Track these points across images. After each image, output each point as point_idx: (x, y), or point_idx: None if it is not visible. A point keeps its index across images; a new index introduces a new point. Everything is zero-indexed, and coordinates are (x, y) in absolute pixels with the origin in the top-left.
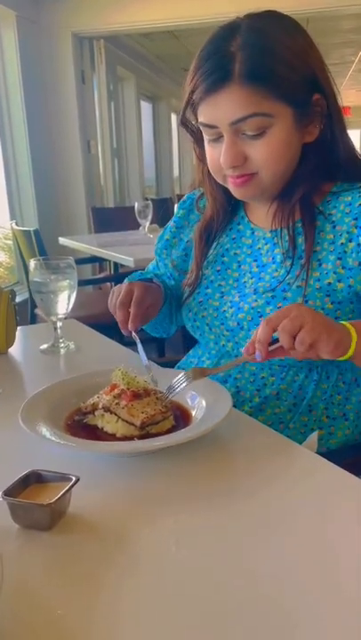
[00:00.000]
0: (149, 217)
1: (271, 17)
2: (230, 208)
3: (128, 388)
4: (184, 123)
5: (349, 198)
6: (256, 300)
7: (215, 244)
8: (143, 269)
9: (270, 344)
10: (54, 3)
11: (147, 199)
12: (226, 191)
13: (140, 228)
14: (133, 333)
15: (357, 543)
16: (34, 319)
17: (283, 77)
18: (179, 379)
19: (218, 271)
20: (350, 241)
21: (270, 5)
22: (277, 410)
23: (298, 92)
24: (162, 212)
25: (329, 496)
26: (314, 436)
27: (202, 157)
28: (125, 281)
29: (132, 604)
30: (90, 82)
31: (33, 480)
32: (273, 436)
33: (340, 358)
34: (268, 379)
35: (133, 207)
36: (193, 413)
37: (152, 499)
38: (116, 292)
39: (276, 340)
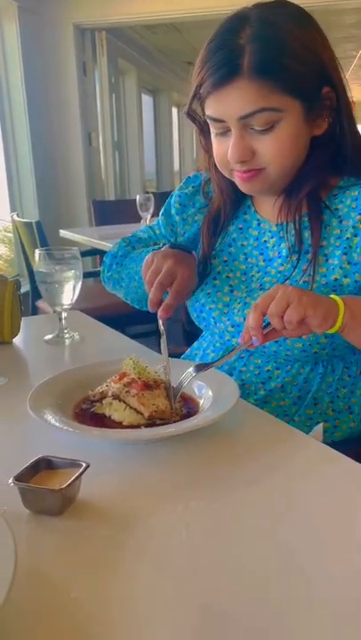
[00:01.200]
0: (151, 210)
1: (281, 7)
2: (237, 199)
3: (139, 378)
4: (190, 114)
5: (356, 193)
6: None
7: (223, 234)
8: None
9: (264, 327)
10: None
11: (147, 192)
12: (233, 182)
13: (142, 220)
14: (161, 324)
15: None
16: (35, 311)
17: (292, 71)
18: (187, 373)
19: (225, 261)
20: (356, 236)
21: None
22: (282, 402)
23: (307, 85)
24: (162, 205)
25: (335, 484)
26: (319, 428)
27: (208, 149)
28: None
29: (144, 586)
30: (91, 74)
31: (43, 466)
32: (279, 426)
33: (330, 330)
34: (274, 372)
35: (134, 200)
36: (200, 402)
37: (161, 485)
38: (155, 265)
39: (269, 324)
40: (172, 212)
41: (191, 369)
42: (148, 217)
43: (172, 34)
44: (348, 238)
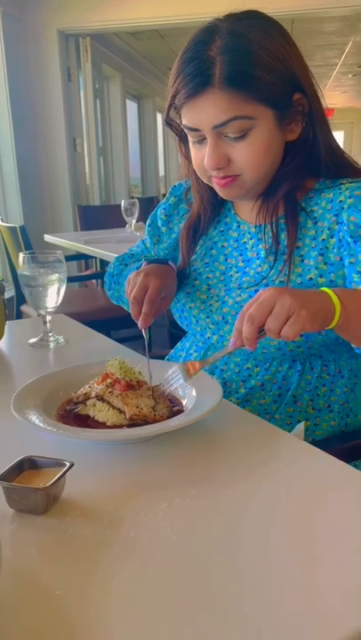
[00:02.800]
0: (136, 215)
1: (251, 18)
2: (217, 203)
3: (123, 378)
4: (168, 123)
5: (331, 195)
6: (240, 295)
7: (204, 237)
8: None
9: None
10: (39, 0)
11: (132, 197)
12: (212, 189)
13: (127, 226)
14: (143, 331)
15: (344, 525)
16: (19, 316)
17: (262, 81)
18: (174, 373)
19: (206, 263)
20: (332, 237)
21: (255, 5)
22: (263, 401)
23: (278, 93)
24: (148, 210)
25: (317, 482)
26: (301, 427)
27: (187, 155)
28: (143, 265)
29: (128, 582)
30: (75, 80)
31: (27, 466)
32: (261, 425)
33: (327, 328)
34: (253, 370)
35: (119, 205)
36: (184, 403)
37: (145, 484)
38: (132, 284)
39: (263, 331)
40: (159, 223)
41: (180, 374)
42: (133, 222)
43: (156, 40)
44: (323, 240)
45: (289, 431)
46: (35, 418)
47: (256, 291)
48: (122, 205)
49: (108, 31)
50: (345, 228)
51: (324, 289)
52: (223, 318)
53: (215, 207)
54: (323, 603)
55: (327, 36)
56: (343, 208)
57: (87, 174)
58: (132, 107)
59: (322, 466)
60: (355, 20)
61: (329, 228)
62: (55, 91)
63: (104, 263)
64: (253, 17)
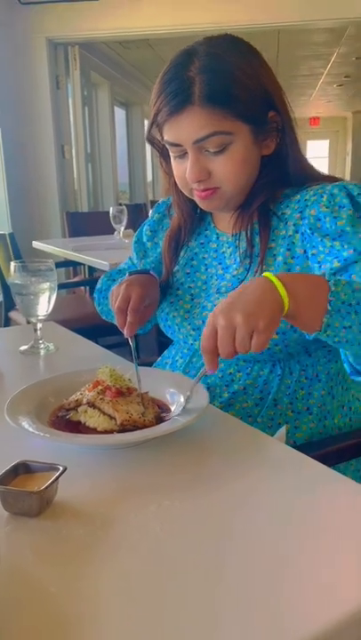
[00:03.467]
0: (124, 222)
1: (227, 41)
2: (197, 216)
3: (113, 385)
4: (150, 139)
5: (298, 197)
6: (218, 299)
7: (185, 248)
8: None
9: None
10: (29, 8)
11: (121, 204)
12: (192, 201)
13: (115, 232)
14: (129, 340)
15: (325, 525)
16: (7, 323)
17: (239, 98)
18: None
19: (187, 274)
20: (296, 232)
21: (243, 17)
22: (245, 404)
23: (254, 110)
24: (136, 217)
25: (299, 484)
26: (283, 430)
27: (168, 171)
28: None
29: (119, 580)
30: (64, 87)
31: (22, 470)
32: (246, 430)
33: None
34: (236, 374)
35: (107, 212)
36: (172, 408)
37: (135, 487)
38: (115, 295)
39: None
40: (144, 239)
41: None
42: (122, 229)
43: (144, 49)
44: (290, 235)
45: (271, 433)
46: (28, 424)
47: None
48: (110, 213)
49: (97, 40)
50: (306, 222)
51: (267, 274)
52: (203, 322)
53: (195, 219)
54: (302, 599)
55: (313, 46)
56: (307, 205)
57: (75, 181)
58: (120, 114)
59: (305, 469)
60: (340, 32)
61: (294, 224)
62: (44, 98)
63: (92, 270)
64: (229, 40)
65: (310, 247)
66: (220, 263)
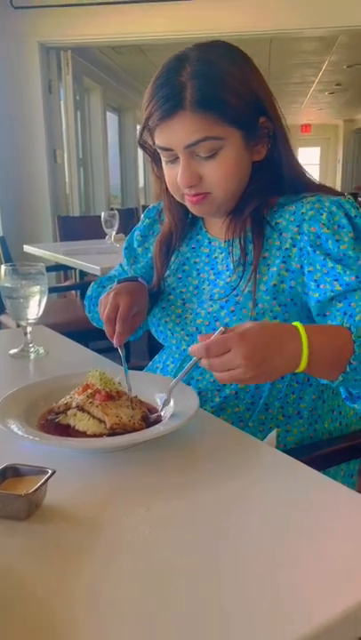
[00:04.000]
0: (116, 226)
1: (218, 47)
2: (188, 221)
3: (103, 389)
4: (142, 144)
5: (293, 207)
6: (212, 306)
7: (177, 253)
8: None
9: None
10: (21, 12)
11: (112, 209)
12: (183, 206)
13: (107, 237)
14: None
15: (315, 529)
16: None
17: (230, 104)
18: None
19: (179, 279)
20: (294, 246)
21: (235, 25)
22: (237, 409)
23: (245, 116)
24: (127, 221)
25: (289, 488)
26: (273, 434)
27: (159, 175)
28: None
29: (109, 583)
30: (56, 91)
31: (10, 474)
32: (236, 434)
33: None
34: None
35: (99, 216)
36: (162, 412)
37: (125, 490)
38: (103, 304)
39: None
40: (135, 245)
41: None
42: (113, 234)
43: (136, 55)
44: (286, 249)
45: (261, 438)
46: (17, 427)
47: (226, 300)
48: (102, 217)
49: (90, 45)
50: (306, 238)
51: (300, 329)
52: (197, 329)
53: (186, 224)
54: (295, 601)
55: (305, 54)
56: (304, 220)
57: (67, 185)
58: (112, 119)
59: (295, 474)
60: (331, 41)
61: (292, 238)
62: (36, 102)
63: (83, 274)
64: (220, 46)
65: (308, 264)
66: (212, 268)
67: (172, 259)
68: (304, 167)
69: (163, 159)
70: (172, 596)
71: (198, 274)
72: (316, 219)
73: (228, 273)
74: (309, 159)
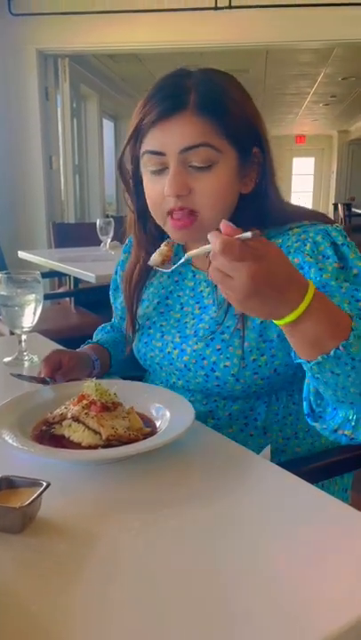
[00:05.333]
0: (111, 234)
1: (219, 72)
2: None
3: (99, 400)
4: (120, 166)
5: (280, 241)
6: (197, 343)
7: (159, 286)
8: (104, 286)
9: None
10: (20, 19)
11: (108, 216)
12: (157, 236)
13: (102, 244)
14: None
15: (310, 543)
16: None
17: (233, 116)
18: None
19: (161, 313)
20: None
21: (231, 35)
22: (230, 430)
23: (243, 138)
24: (122, 229)
25: (284, 502)
26: (267, 450)
27: (132, 205)
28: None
29: (101, 598)
30: (53, 99)
31: (4, 485)
32: (231, 447)
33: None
34: (221, 401)
35: (94, 223)
36: (157, 424)
37: (119, 503)
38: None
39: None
40: (119, 280)
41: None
42: (108, 241)
43: (133, 64)
44: None
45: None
46: (11, 438)
47: (212, 338)
48: (97, 224)
49: (87, 53)
50: None
51: (309, 294)
52: (186, 366)
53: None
54: (293, 614)
55: (301, 66)
56: (290, 252)
57: (62, 192)
58: (108, 126)
59: (290, 487)
60: (327, 53)
61: None
62: (33, 109)
63: (78, 281)
64: (220, 71)
65: None
66: (197, 302)
67: (152, 290)
68: (297, 178)
69: (147, 171)
70: (167, 610)
71: (182, 307)
72: (300, 250)
73: (214, 308)
74: (304, 169)
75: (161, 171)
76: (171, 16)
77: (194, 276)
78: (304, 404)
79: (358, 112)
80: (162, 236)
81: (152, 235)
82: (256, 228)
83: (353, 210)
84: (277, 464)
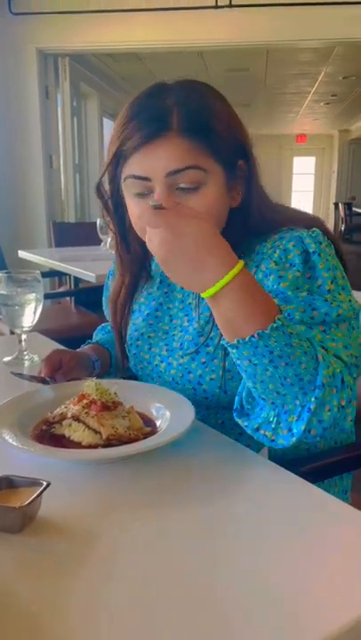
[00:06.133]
0: (111, 233)
1: (199, 83)
2: (139, 273)
3: (99, 399)
4: (99, 189)
5: (258, 247)
6: (182, 357)
7: (149, 297)
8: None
9: None
10: (20, 18)
11: None
12: (137, 258)
13: (102, 244)
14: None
15: (311, 543)
16: None
17: (219, 134)
18: None
19: (150, 324)
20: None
21: (232, 35)
22: (220, 421)
23: (228, 154)
24: None
25: (284, 501)
26: (264, 449)
27: (114, 227)
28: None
29: (102, 598)
30: (53, 97)
31: (4, 485)
32: (231, 446)
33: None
34: (212, 410)
35: (94, 223)
36: (158, 424)
37: (119, 503)
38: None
39: None
40: (104, 304)
41: None
42: (109, 240)
43: (133, 63)
44: None
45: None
46: (11, 437)
47: (197, 351)
48: (97, 224)
49: (87, 52)
50: (259, 276)
51: (238, 266)
52: (173, 379)
53: (141, 279)
54: (290, 615)
55: (301, 65)
56: (263, 259)
57: (63, 191)
58: (108, 125)
59: (290, 487)
60: (327, 52)
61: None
62: (33, 108)
63: (78, 280)
64: (201, 83)
65: None
66: (186, 315)
67: (145, 302)
68: (298, 177)
69: (129, 193)
70: (168, 610)
71: (171, 319)
72: (270, 257)
73: (201, 321)
74: (304, 169)
75: (146, 195)
76: (171, 15)
77: (182, 288)
78: (236, 398)
79: (359, 111)
80: (146, 254)
81: (136, 254)
82: (245, 239)
83: (354, 209)
84: (278, 463)
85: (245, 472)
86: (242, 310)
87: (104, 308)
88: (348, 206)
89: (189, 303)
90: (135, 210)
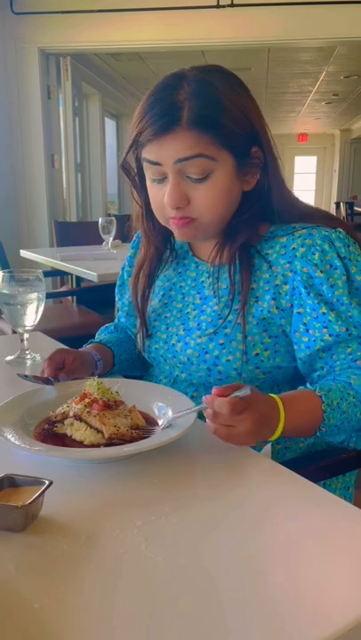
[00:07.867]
0: (113, 232)
1: (217, 71)
2: (169, 248)
3: (101, 398)
4: (125, 166)
5: (284, 239)
6: (200, 337)
7: (163, 278)
8: (106, 284)
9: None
10: (22, 17)
11: (109, 215)
12: (163, 233)
13: (104, 243)
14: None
15: (313, 542)
16: None
17: (226, 127)
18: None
19: (165, 304)
20: (285, 283)
21: (232, 33)
22: None
23: (239, 142)
24: (125, 227)
25: (286, 500)
26: (268, 447)
27: (140, 201)
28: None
29: (104, 596)
30: (55, 97)
31: (7, 484)
32: (233, 445)
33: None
34: None
35: (96, 222)
36: (159, 422)
37: (121, 502)
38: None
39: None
40: (125, 276)
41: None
42: (110, 240)
43: (135, 62)
44: (277, 285)
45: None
46: (13, 436)
47: (215, 332)
48: (99, 223)
49: (89, 52)
50: (298, 278)
51: (279, 404)
52: (189, 359)
53: (163, 252)
54: (292, 613)
55: (303, 64)
56: (296, 256)
57: (64, 190)
58: (110, 125)
59: (292, 486)
60: (329, 51)
61: (283, 275)
62: (35, 107)
63: (80, 280)
64: (219, 70)
65: (298, 305)
66: (198, 292)
67: (159, 283)
68: (299, 176)
69: (149, 177)
70: (169, 609)
71: (183, 297)
72: (308, 259)
73: (215, 300)
74: (306, 168)
75: (161, 180)
76: (173, 14)
77: (197, 266)
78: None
79: (360, 111)
80: (167, 230)
81: (159, 228)
82: (262, 224)
83: (355, 208)
84: (279, 463)
85: (247, 471)
86: (302, 422)
87: (116, 293)
88: (350, 205)
89: (202, 282)
90: (154, 193)
